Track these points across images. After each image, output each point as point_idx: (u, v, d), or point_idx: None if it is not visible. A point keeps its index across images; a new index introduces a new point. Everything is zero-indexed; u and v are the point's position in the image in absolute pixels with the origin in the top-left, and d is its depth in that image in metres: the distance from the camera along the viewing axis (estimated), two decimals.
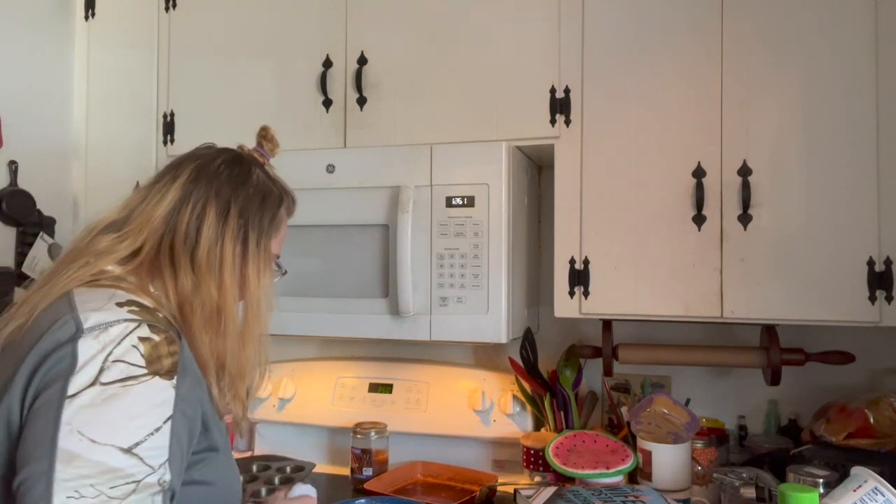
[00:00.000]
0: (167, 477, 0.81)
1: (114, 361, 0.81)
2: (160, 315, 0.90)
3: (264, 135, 1.16)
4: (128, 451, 0.78)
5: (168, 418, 0.82)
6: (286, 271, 1.18)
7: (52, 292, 0.91)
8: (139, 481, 0.78)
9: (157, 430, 0.81)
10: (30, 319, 0.88)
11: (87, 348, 0.81)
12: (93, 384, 0.79)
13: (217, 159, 1.07)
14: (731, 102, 1.52)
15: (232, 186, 1.03)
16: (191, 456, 0.89)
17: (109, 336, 0.83)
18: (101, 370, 0.80)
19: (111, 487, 0.76)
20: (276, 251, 1.12)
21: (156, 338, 0.85)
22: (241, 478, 1.12)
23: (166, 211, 0.99)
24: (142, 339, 0.84)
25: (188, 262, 0.97)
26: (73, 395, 0.78)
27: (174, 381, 0.84)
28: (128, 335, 0.83)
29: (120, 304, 0.88)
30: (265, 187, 1.08)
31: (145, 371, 0.82)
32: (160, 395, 0.83)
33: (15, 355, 0.85)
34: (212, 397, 0.97)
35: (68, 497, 0.74)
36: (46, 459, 0.76)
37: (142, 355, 0.83)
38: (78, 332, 0.83)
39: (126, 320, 0.85)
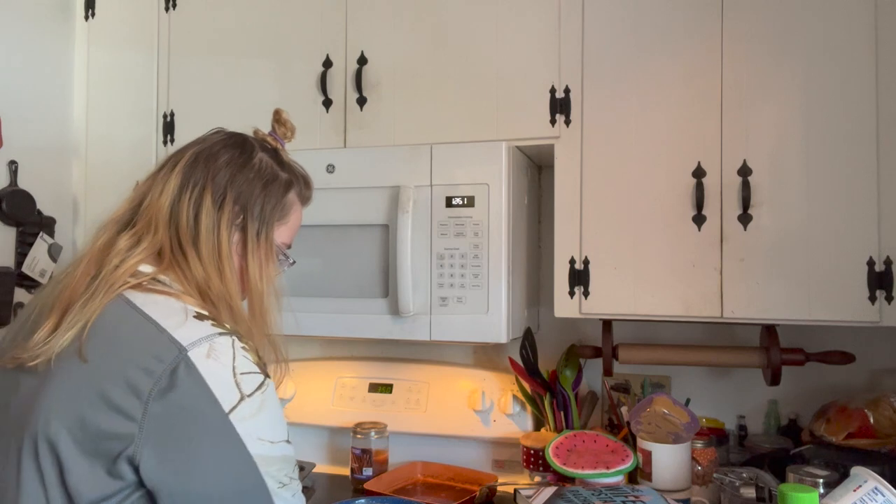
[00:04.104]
0: None
1: (242, 374, 0.86)
2: (225, 323, 0.92)
3: (277, 118, 1.11)
4: (288, 442, 0.92)
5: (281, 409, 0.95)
6: (294, 262, 1.13)
7: (97, 298, 0.88)
8: (296, 463, 0.94)
9: (284, 420, 0.94)
10: (85, 330, 0.85)
11: (208, 366, 0.84)
12: (241, 399, 0.85)
13: (218, 142, 1.02)
14: (731, 102, 1.52)
15: (230, 171, 0.99)
16: None
17: (218, 352, 0.86)
18: (238, 384, 0.85)
19: (293, 471, 0.92)
20: (285, 240, 1.08)
21: (247, 345, 0.90)
22: None
23: (169, 201, 0.96)
24: (244, 349, 0.89)
25: (195, 253, 0.95)
26: (231, 411, 0.84)
27: (272, 377, 0.94)
28: (233, 348, 0.88)
29: (198, 318, 0.89)
30: (269, 172, 1.03)
31: (263, 376, 0.89)
32: (276, 392, 0.93)
33: (92, 368, 0.83)
34: None
35: (279, 487, 0.88)
36: (245, 464, 0.85)
37: (253, 363, 0.89)
38: (182, 352, 0.84)
39: (219, 334, 0.88)
